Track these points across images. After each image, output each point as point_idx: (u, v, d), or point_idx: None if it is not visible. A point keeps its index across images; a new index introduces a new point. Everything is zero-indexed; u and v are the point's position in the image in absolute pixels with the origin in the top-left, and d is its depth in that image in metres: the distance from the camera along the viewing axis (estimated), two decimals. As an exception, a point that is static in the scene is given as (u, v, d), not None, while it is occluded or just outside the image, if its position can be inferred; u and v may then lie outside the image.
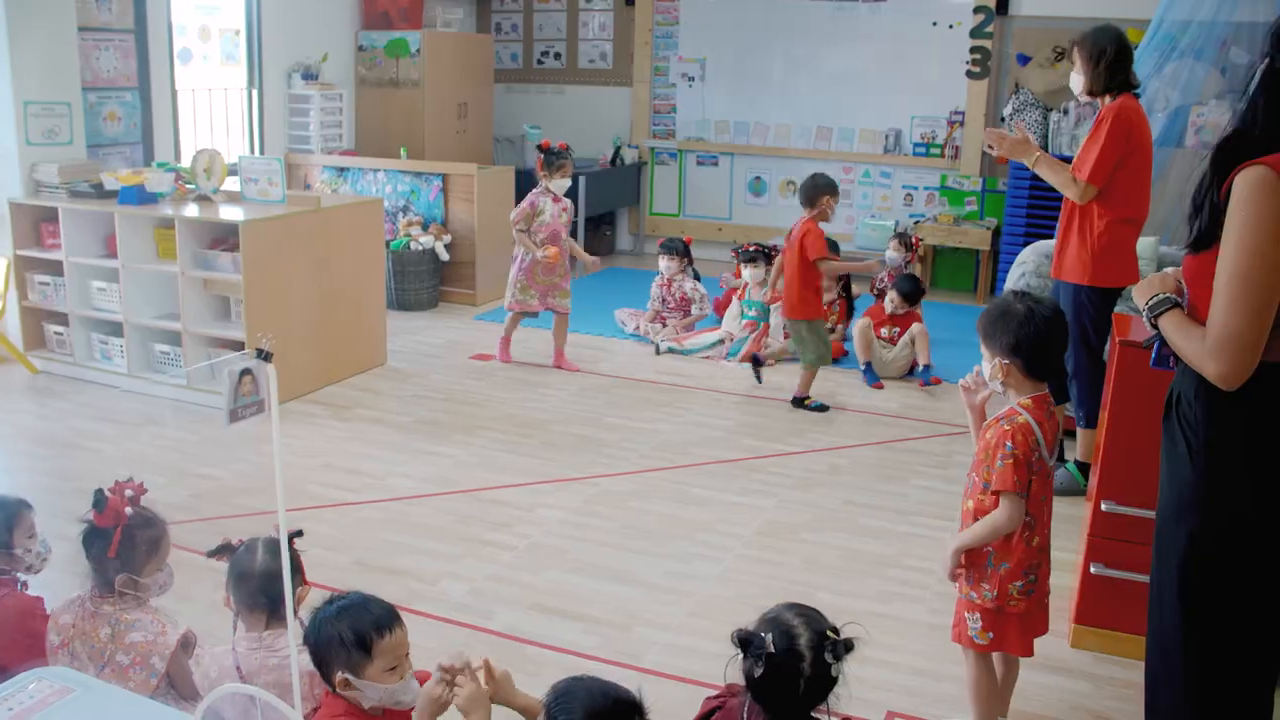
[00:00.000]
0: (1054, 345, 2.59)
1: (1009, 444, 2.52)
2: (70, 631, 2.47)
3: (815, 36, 8.72)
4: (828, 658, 1.88)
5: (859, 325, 6.16)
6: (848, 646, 1.90)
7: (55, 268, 5.71)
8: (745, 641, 1.92)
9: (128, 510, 2.42)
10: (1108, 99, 4.12)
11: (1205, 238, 2.05)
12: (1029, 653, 2.67)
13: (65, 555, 2.61)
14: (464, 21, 9.45)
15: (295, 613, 2.46)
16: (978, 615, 2.63)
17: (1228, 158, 2.03)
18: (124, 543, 2.42)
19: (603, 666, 3.08)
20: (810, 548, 3.93)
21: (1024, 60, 8.03)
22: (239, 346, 5.25)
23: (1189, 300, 2.13)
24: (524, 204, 5.98)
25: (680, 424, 5.24)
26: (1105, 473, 3.16)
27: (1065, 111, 7.48)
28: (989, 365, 2.61)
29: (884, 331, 6.20)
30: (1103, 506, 3.15)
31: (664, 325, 6.81)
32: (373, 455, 4.71)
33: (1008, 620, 2.62)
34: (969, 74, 8.24)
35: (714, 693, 2.16)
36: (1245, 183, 1.95)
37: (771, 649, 1.88)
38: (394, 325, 6.74)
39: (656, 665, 3.13)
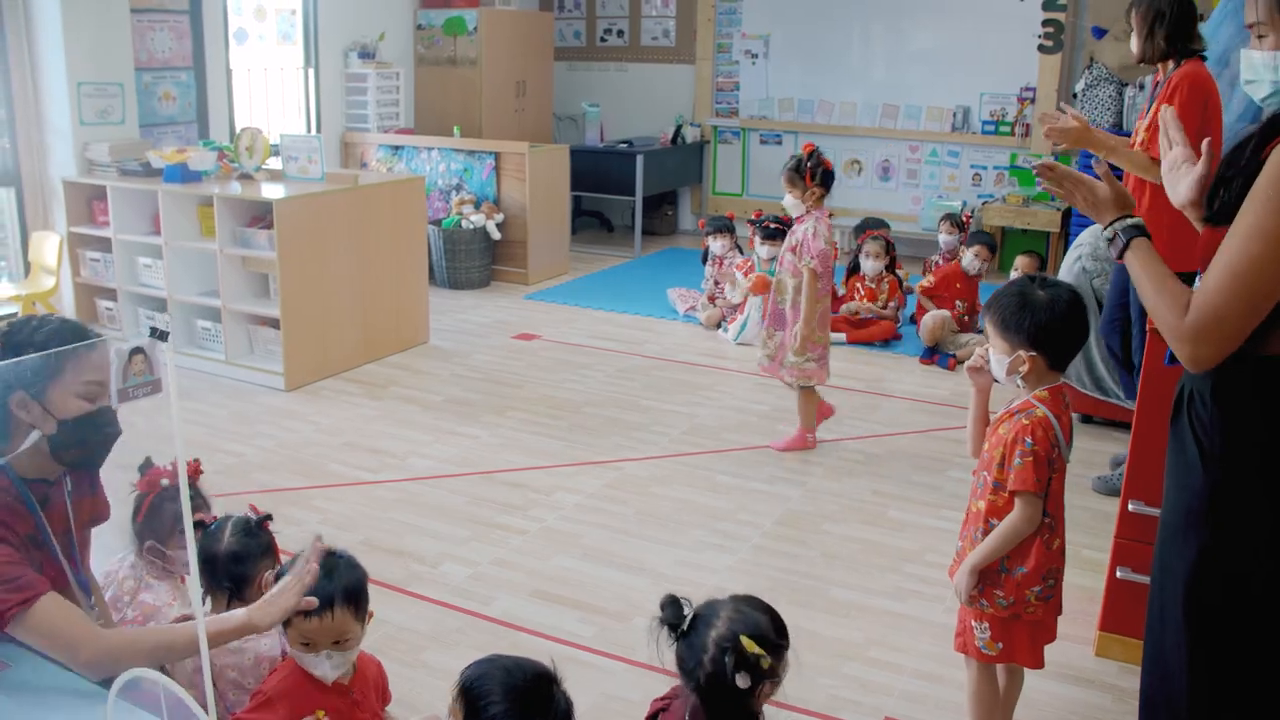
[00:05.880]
0: (1078, 334, 2.40)
1: (1028, 440, 2.32)
2: (116, 578, 2.55)
3: (882, 11, 8.44)
4: (727, 660, 1.74)
5: (934, 319, 5.96)
6: (758, 664, 1.73)
7: (106, 245, 5.80)
8: (669, 604, 1.81)
9: (163, 482, 2.50)
10: (1170, 66, 3.80)
11: (1229, 211, 1.83)
12: (1039, 664, 2.48)
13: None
14: (526, -1, 9.37)
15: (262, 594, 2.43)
16: (986, 625, 2.44)
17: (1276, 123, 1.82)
18: (151, 511, 2.51)
19: (594, 658, 2.99)
20: (830, 540, 3.77)
21: (1099, 33, 7.66)
22: (276, 324, 5.27)
23: (1202, 275, 1.90)
24: None
25: (716, 408, 5.11)
26: (1133, 471, 2.95)
27: (1141, 87, 7.11)
28: (1005, 358, 2.39)
29: (958, 305, 6.10)
30: (1130, 507, 2.94)
31: (713, 303, 6.65)
32: (398, 434, 4.68)
33: (1019, 629, 2.43)
34: (1041, 48, 7.89)
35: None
36: None
37: (685, 627, 1.77)
38: (442, 304, 6.73)
39: (651, 659, 3.01)
